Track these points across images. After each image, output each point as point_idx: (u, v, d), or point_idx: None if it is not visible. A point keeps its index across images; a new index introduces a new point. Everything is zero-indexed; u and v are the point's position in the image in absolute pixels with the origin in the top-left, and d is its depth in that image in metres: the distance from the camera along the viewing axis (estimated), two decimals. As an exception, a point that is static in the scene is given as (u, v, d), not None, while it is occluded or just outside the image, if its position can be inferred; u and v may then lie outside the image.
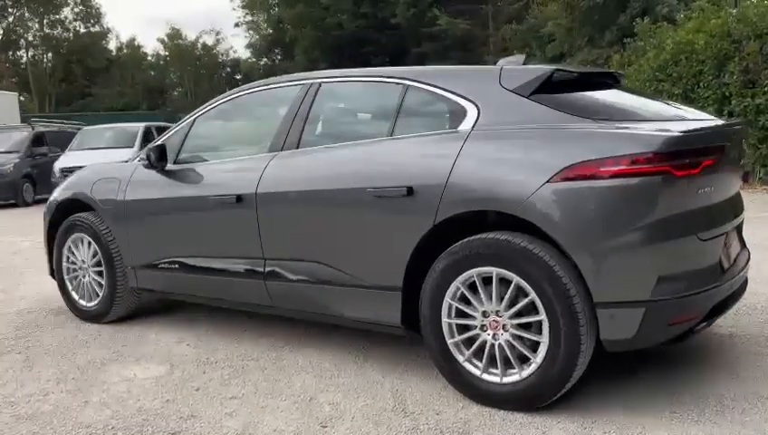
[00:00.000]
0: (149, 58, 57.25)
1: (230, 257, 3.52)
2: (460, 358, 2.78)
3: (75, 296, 4.37)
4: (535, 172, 2.54)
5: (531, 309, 2.60)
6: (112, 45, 56.62)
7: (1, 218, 11.83)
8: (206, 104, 3.92)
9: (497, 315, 2.67)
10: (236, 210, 3.40)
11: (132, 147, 15.12)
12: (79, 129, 17.43)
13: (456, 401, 2.81)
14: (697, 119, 2.91)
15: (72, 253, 4.33)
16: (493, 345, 2.69)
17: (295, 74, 3.67)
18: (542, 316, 2.54)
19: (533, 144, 2.63)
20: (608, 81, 3.21)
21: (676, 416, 2.57)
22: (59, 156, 14.68)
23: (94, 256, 4.21)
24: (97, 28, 54.12)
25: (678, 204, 2.48)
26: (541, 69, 2.86)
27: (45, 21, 51.28)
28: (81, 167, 14.36)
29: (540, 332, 2.58)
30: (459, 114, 2.89)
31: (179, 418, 2.80)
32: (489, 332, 2.70)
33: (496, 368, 2.70)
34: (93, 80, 51.29)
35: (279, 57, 32.88)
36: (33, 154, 15.37)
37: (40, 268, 6.25)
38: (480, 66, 3.23)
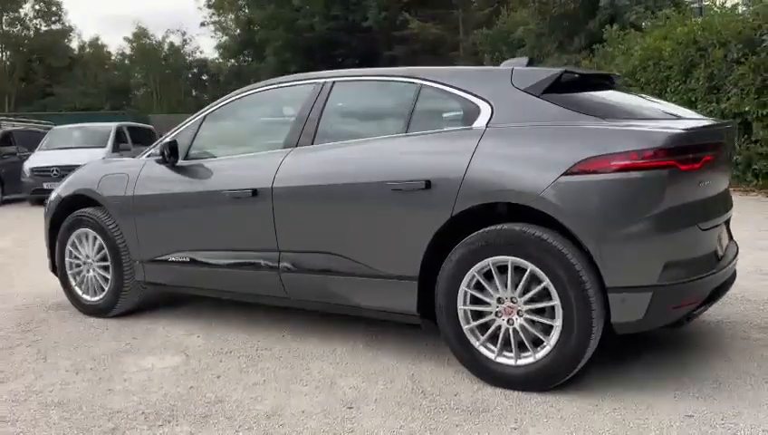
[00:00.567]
0: (114, 57, 56.30)
1: (244, 250, 3.62)
2: (475, 343, 2.94)
3: (79, 291, 4.40)
4: (550, 166, 2.71)
5: (543, 295, 2.77)
6: (75, 44, 55.57)
7: (-28, 218, 11.59)
8: (217, 102, 4.02)
9: (512, 301, 2.84)
10: (252, 204, 3.50)
11: (105, 147, 14.98)
12: (48, 128, 17.17)
13: (471, 384, 2.96)
14: (694, 118, 3.13)
15: (76, 248, 4.36)
16: (507, 330, 2.86)
17: (306, 74, 3.79)
18: (556, 301, 2.72)
19: (547, 140, 2.81)
20: (606, 81, 3.41)
21: (678, 394, 2.77)
22: (28, 156, 14.46)
23: (99, 250, 4.25)
24: (58, 26, 53.10)
25: (682, 196, 2.68)
26: (550, 70, 3.05)
27: (5, 18, 50.08)
28: (52, 166, 14.15)
29: (552, 316, 2.75)
30: (473, 112, 3.05)
31: (207, 403, 2.90)
32: (504, 317, 2.86)
33: (510, 351, 2.87)
34: (55, 79, 50.30)
35: (249, 58, 32.73)
36: (2, 154, 15.09)
37: (29, 265, 6.27)
38: (490, 67, 3.40)
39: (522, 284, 2.80)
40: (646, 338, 3.33)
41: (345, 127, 3.55)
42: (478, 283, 2.91)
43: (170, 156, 3.80)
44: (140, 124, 18.67)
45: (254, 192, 3.48)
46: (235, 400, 2.92)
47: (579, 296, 2.66)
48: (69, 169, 13.75)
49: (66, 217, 4.40)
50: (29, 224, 10.06)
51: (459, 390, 2.92)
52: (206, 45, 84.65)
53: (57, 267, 4.49)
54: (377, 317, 3.41)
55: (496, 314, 2.89)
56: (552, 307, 2.75)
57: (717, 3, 13.00)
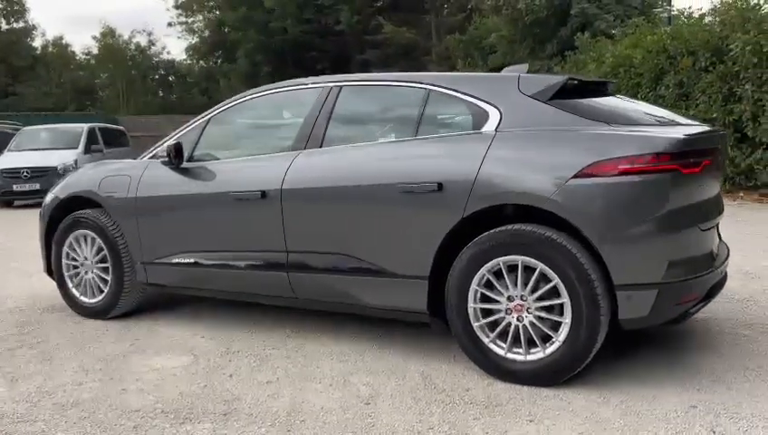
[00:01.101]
0: (79, 57, 55.24)
1: (251, 251, 3.66)
2: (485, 340, 3.05)
3: (76, 293, 4.38)
4: (560, 169, 2.83)
5: (552, 293, 2.89)
6: (38, 43, 54.31)
7: (-59, 220, 11.31)
8: (221, 104, 4.06)
9: (521, 299, 2.95)
10: (260, 206, 3.55)
11: (76, 148, 14.79)
12: (17, 129, 16.82)
13: (481, 379, 3.07)
14: (690, 124, 3.29)
15: (74, 250, 4.35)
16: (517, 327, 2.97)
17: (311, 78, 3.86)
18: (565, 299, 2.83)
19: (557, 144, 2.93)
20: (604, 88, 3.55)
21: (679, 387, 2.91)
22: (-4, 157, 14.18)
23: (98, 252, 4.25)
24: (21, 24, 51.84)
25: (684, 198, 2.83)
26: (555, 77, 3.18)
27: (-36, 15, 48.75)
28: (22, 168, 13.84)
29: (561, 313, 2.87)
30: (481, 117, 3.16)
31: (224, 401, 2.94)
32: (513, 314, 2.97)
33: (520, 347, 2.98)
34: (17, 78, 49.05)
35: (220, 60, 32.49)
36: (-31, 155, 14.75)
37: (12, 268, 6.18)
38: (496, 73, 3.51)
39: (531, 282, 2.91)
40: (641, 336, 3.47)
41: (353, 130, 3.63)
42: (488, 281, 3.02)
43: (176, 157, 3.83)
44: (112, 125, 18.43)
45: (263, 194, 3.53)
46: (252, 397, 2.97)
47: (587, 294, 2.78)
48: (40, 170, 13.62)
49: (63, 218, 4.39)
50: (4, 225, 9.88)
51: (470, 385, 3.02)
52: (174, 46, 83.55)
53: (53, 269, 4.46)
54: (384, 316, 3.49)
55: (506, 312, 2.99)
56: (561, 305, 2.86)
57: (685, 13, 13.44)
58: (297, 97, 3.85)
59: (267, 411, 2.81)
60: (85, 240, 4.30)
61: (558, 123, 3.01)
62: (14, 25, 50.97)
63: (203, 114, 4.09)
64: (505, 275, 2.97)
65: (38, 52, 53.01)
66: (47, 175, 13.49)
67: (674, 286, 2.80)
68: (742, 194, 10.09)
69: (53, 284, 5.19)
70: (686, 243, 2.87)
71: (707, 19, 12.26)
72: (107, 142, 16.03)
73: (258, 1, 26.97)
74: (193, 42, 37.93)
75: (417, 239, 3.16)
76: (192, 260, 3.87)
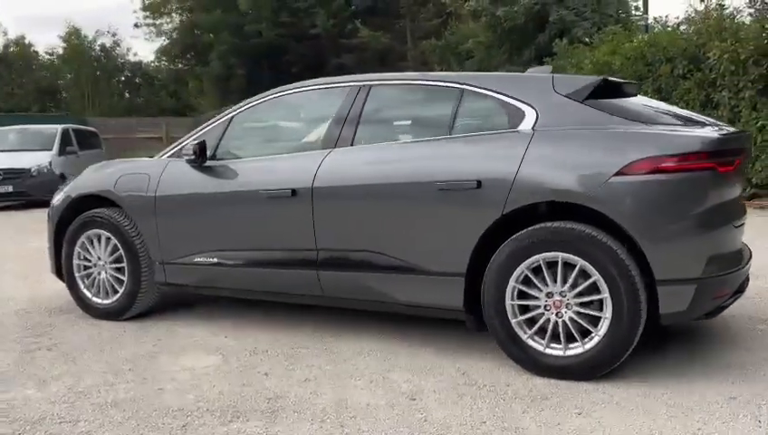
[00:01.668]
0: (42, 58, 53.92)
1: (279, 249, 3.65)
2: (523, 336, 3.09)
3: (88, 294, 4.30)
4: (601, 167, 2.89)
5: (591, 289, 2.94)
6: (-2, 42, 52.84)
7: None
8: (244, 103, 4.03)
9: (561, 295, 2.99)
10: (290, 204, 3.54)
11: (51, 150, 14.47)
12: (-13, 129, 16.36)
13: (519, 375, 3.10)
14: (717, 124, 3.39)
15: (87, 250, 4.26)
16: (556, 323, 3.01)
17: (338, 77, 3.87)
18: (605, 294, 2.89)
19: (596, 143, 2.99)
20: (630, 89, 3.63)
21: (714, 380, 2.99)
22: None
23: (113, 252, 4.17)
24: (-19, 24, 50.43)
25: (720, 196, 2.92)
26: (590, 78, 3.25)
27: None
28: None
29: (600, 308, 2.93)
30: (517, 116, 3.21)
31: (266, 399, 2.92)
32: (552, 311, 3.02)
33: (558, 343, 3.03)
34: (-24, 78, 47.65)
35: (192, 62, 32.06)
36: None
37: (10, 270, 6.03)
38: (529, 74, 3.56)
39: (572, 278, 2.96)
40: (663, 332, 3.55)
41: (385, 129, 3.65)
42: (526, 278, 3.06)
43: (200, 156, 3.79)
44: (85, 127, 18.07)
45: (294, 192, 3.52)
46: (294, 395, 2.95)
47: (628, 289, 2.84)
48: (13, 173, 13.26)
49: (74, 218, 4.30)
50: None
51: (510, 380, 3.05)
52: (141, 48, 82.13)
53: (64, 270, 4.36)
54: (415, 314, 3.51)
55: (545, 308, 3.04)
56: (600, 300, 2.92)
57: (661, 21, 13.80)
58: (324, 96, 3.85)
59: (313, 408, 2.80)
60: (99, 240, 4.22)
61: (594, 123, 3.08)
62: (-25, 25, 49.59)
63: (224, 113, 4.06)
64: (545, 272, 3.01)
65: (-1, 51, 51.62)
66: (20, 177, 13.19)
67: (711, 281, 2.88)
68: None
69: (54, 285, 5.14)
70: (722, 240, 2.96)
71: (683, 27, 12.60)
72: (80, 144, 15.73)
73: (233, 4, 26.75)
74: (164, 44, 37.33)
75: (455, 237, 3.18)
76: (215, 259, 3.83)
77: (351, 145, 3.54)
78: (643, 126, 3.03)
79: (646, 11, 15.71)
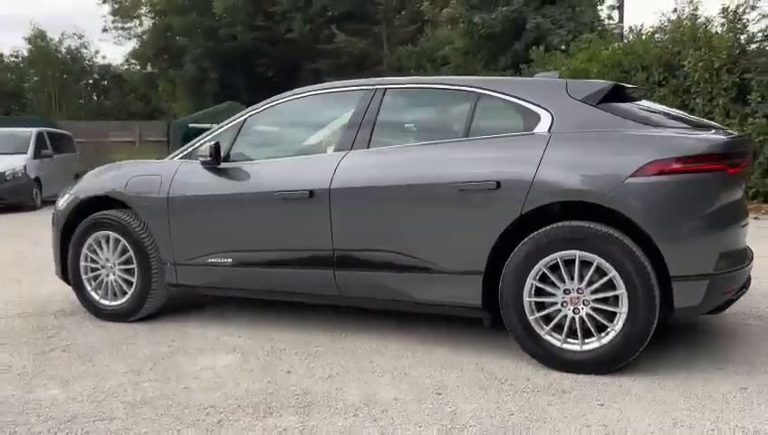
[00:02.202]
0: (6, 60, 52.72)
1: (295, 250, 3.70)
2: (541, 332, 3.19)
3: (95, 296, 4.29)
4: (618, 169, 3.02)
5: (607, 285, 3.06)
6: (-40, 44, 51.58)
7: None
8: (256, 106, 4.08)
9: (578, 292, 3.11)
10: (307, 205, 3.60)
11: (25, 153, 14.20)
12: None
13: (536, 370, 3.21)
14: (721, 128, 3.55)
15: (94, 251, 4.25)
16: (573, 319, 3.13)
17: (351, 81, 3.94)
18: (621, 290, 3.01)
19: (612, 145, 3.12)
20: (636, 93, 3.77)
21: (722, 371, 3.13)
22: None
23: (122, 253, 4.17)
24: (-57, 24, 49.14)
25: (730, 196, 3.08)
26: (602, 82, 3.39)
27: None
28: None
29: (616, 304, 3.05)
30: (533, 119, 3.33)
31: (294, 395, 2.97)
32: (569, 307, 3.13)
33: (575, 338, 3.14)
34: (-63, 81, 46.38)
35: (165, 65, 31.73)
36: None
37: (1, 274, 5.94)
38: (543, 78, 3.68)
39: (588, 275, 3.08)
40: (664, 329, 3.69)
41: (401, 132, 3.73)
42: (544, 275, 3.17)
43: (215, 157, 3.82)
44: (59, 130, 17.78)
45: (311, 193, 3.57)
46: (321, 391, 3.01)
47: (644, 285, 2.97)
48: (-13, 176, 12.96)
49: (80, 221, 4.28)
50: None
51: (529, 375, 3.15)
52: (110, 51, 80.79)
53: (70, 273, 4.34)
54: (432, 311, 3.60)
55: (562, 305, 3.15)
56: (616, 296, 3.04)
57: (635, 30, 14.15)
58: (338, 99, 3.92)
59: (343, 403, 2.87)
60: (107, 242, 4.21)
61: (607, 126, 3.21)
62: (-64, 25, 48.33)
63: (237, 115, 4.10)
64: (562, 269, 3.12)
65: (-40, 53, 50.35)
66: (-5, 181, 12.93)
67: (721, 277, 3.03)
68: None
69: (50, 288, 5.16)
70: (731, 237, 3.11)
71: (657, 36, 12.95)
72: (55, 148, 15.49)
73: (207, 7, 26.60)
74: (136, 47, 36.91)
75: (473, 236, 3.28)
76: (229, 260, 3.86)
77: (368, 147, 3.61)
78: (654, 129, 3.17)
79: (621, 20, 16.13)
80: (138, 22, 41.34)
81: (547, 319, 3.19)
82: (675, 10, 13.50)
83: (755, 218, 7.96)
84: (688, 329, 3.79)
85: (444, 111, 3.71)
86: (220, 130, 4.07)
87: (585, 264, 3.09)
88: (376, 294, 3.59)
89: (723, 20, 11.41)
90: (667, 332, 3.64)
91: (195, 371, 3.31)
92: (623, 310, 3.03)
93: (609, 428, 2.57)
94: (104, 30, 41.59)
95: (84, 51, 49.89)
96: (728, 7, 11.40)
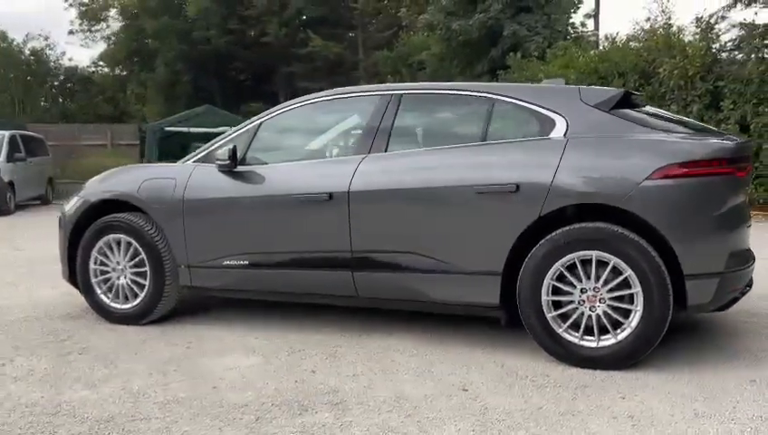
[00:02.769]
0: (-34, 61, 51.34)
1: (313, 252, 3.76)
2: (559, 329, 3.31)
3: (105, 299, 4.28)
4: (634, 172, 3.16)
5: (623, 284, 3.20)
6: None
7: None
8: (272, 110, 4.13)
9: (594, 291, 3.24)
10: (326, 207, 3.66)
11: (-2, 156, 13.92)
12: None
13: (554, 366, 3.32)
14: (724, 134, 3.72)
15: (104, 254, 4.25)
16: (590, 316, 3.25)
17: (366, 86, 4.03)
18: (637, 289, 3.15)
19: (627, 149, 3.26)
20: (640, 101, 3.93)
21: (729, 365, 3.30)
22: None
23: (134, 256, 4.18)
24: None
25: (737, 198, 3.24)
26: (613, 90, 3.54)
27: None
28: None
29: (631, 302, 3.19)
30: (548, 124, 3.45)
31: (323, 393, 3.03)
32: (586, 305, 3.26)
33: (592, 335, 3.27)
34: None
35: (136, 68, 31.31)
36: None
37: None
38: (555, 85, 3.81)
39: (605, 275, 3.21)
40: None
41: (418, 136, 3.82)
42: (561, 275, 3.29)
43: (232, 161, 3.86)
44: (31, 133, 17.45)
45: (330, 196, 3.64)
46: (350, 389, 3.08)
47: (659, 283, 3.11)
48: (-41, 180, 12.68)
49: (88, 224, 4.28)
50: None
51: (547, 371, 3.27)
52: (76, 53, 79.27)
53: (79, 276, 4.33)
54: (449, 311, 3.70)
55: (579, 303, 3.27)
56: (631, 294, 3.18)
57: (609, 38, 14.53)
58: (353, 104, 4.00)
59: (375, 400, 2.94)
60: (118, 244, 4.22)
61: (620, 131, 3.35)
62: None
63: (252, 119, 4.14)
64: (579, 269, 3.25)
65: None
66: (-32, 184, 12.67)
67: (730, 275, 3.19)
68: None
69: (48, 292, 5.18)
70: (739, 238, 3.28)
71: (632, 44, 13.31)
72: (27, 151, 15.22)
73: (180, 10, 26.36)
74: (107, 48, 36.34)
75: (493, 237, 3.39)
76: (245, 262, 3.91)
77: (385, 151, 3.70)
78: (664, 134, 3.32)
79: (597, 28, 16.51)
80: (105, 24, 40.78)
81: (564, 317, 3.31)
82: (648, 19, 13.95)
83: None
84: (692, 327, 3.95)
85: (459, 116, 3.82)
86: (234, 135, 4.11)
87: (600, 263, 3.22)
88: (394, 294, 3.68)
89: (696, 29, 11.79)
90: (671, 329, 3.80)
91: (219, 371, 3.35)
92: (638, 308, 3.16)
93: (635, 419, 2.70)
94: (70, 32, 40.87)
95: (50, 52, 48.92)
96: (702, 17, 11.79)
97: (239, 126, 4.16)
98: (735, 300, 3.38)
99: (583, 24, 18.61)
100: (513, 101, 3.57)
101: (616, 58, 12.69)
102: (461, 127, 3.81)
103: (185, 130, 18.01)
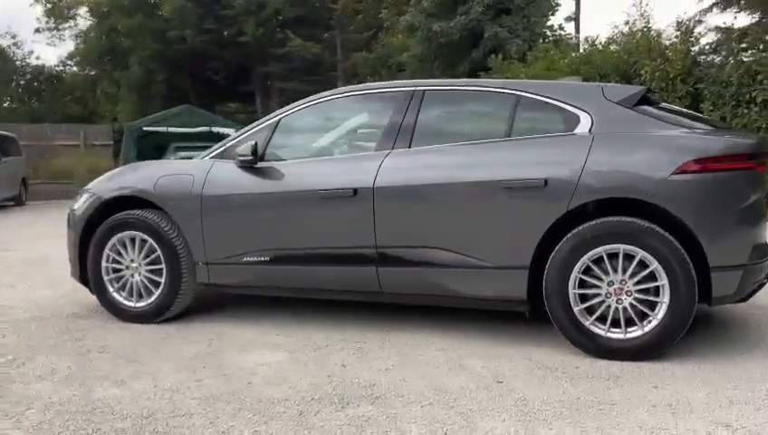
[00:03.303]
0: (-71, 59, 49.93)
1: (337, 247, 3.76)
2: (586, 322, 3.37)
3: (118, 297, 4.22)
4: (661, 167, 3.23)
5: (648, 277, 3.26)
6: None
7: None
8: (290, 106, 4.11)
9: (621, 283, 3.30)
10: (350, 203, 3.67)
11: (-25, 156, 13.63)
12: None
13: (581, 359, 3.37)
14: (734, 130, 3.83)
15: (118, 252, 4.19)
16: (617, 309, 3.31)
17: (387, 82, 4.04)
18: (664, 281, 3.22)
19: (653, 145, 3.33)
20: (657, 98, 4.01)
21: (747, 354, 3.40)
22: None
23: (149, 253, 4.13)
24: None
25: (758, 192, 3.33)
26: (635, 87, 3.61)
27: None
28: None
29: (657, 294, 3.25)
30: (573, 121, 3.51)
31: (361, 386, 3.04)
32: (613, 297, 3.32)
33: (618, 327, 3.33)
34: None
35: (109, 67, 30.75)
36: None
37: None
38: (578, 82, 3.87)
39: (632, 268, 3.27)
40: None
41: (441, 132, 3.84)
42: (588, 268, 3.34)
43: (253, 157, 3.84)
44: (4, 132, 17.05)
45: (355, 191, 3.65)
46: (386, 383, 3.08)
47: (685, 276, 3.19)
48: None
49: (100, 222, 4.21)
50: None
51: (576, 363, 3.32)
52: (44, 51, 77.67)
53: (90, 274, 4.25)
54: (474, 306, 3.73)
55: (606, 296, 3.33)
56: (657, 287, 3.25)
57: (589, 40, 14.76)
58: (374, 100, 4.01)
59: (413, 393, 2.95)
60: (132, 242, 4.16)
61: (643, 127, 3.42)
62: None
63: (270, 116, 4.12)
64: (606, 262, 3.31)
65: None
66: (-56, 185, 12.36)
67: (753, 268, 3.28)
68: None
69: (49, 291, 5.16)
70: (760, 231, 3.37)
71: (612, 47, 13.55)
72: (1, 151, 14.91)
73: (154, 8, 25.99)
74: (78, 47, 35.67)
75: (520, 231, 3.43)
76: (267, 258, 3.89)
77: (409, 147, 3.72)
78: (686, 130, 3.40)
79: (577, 30, 16.77)
80: (73, 22, 40.06)
81: (590, 310, 3.37)
82: (627, 23, 14.21)
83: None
84: (705, 321, 4.05)
85: (485, 111, 3.85)
86: (252, 131, 4.08)
87: (627, 257, 3.28)
88: (419, 289, 3.69)
89: (677, 32, 12.05)
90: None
91: (249, 368, 3.33)
92: (665, 300, 3.23)
93: (673, 407, 2.75)
94: (37, 30, 40.02)
95: (17, 51, 47.83)
96: (682, 21, 12.06)
97: (256, 123, 4.14)
98: (754, 292, 3.47)
99: (561, 27, 18.92)
100: (538, 97, 3.62)
101: (597, 60, 12.91)
102: (486, 123, 3.84)
103: (163, 129, 17.79)
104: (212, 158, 4.12)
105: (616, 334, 3.33)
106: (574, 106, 3.53)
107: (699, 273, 3.23)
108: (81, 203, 4.33)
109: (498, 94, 3.73)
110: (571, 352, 3.44)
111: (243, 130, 4.15)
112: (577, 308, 3.37)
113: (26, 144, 20.25)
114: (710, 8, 13.35)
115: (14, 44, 49.82)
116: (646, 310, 3.28)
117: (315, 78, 25.61)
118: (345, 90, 4.10)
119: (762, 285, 3.54)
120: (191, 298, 4.21)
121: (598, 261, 3.33)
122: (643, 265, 3.26)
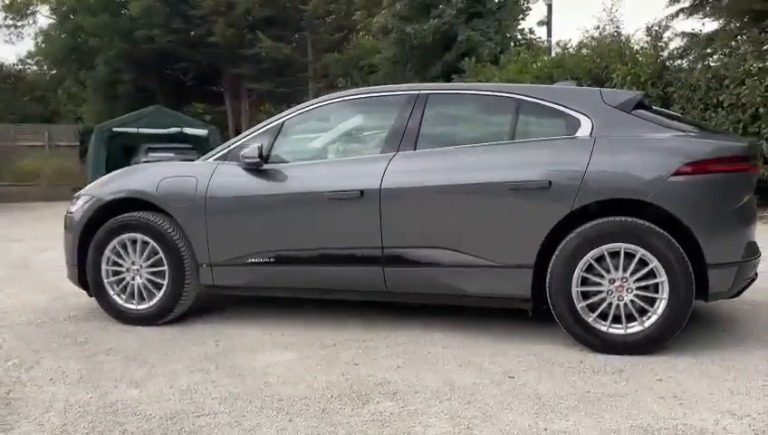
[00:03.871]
0: None
1: (343, 248, 3.81)
2: (588, 319, 3.49)
3: (119, 300, 4.21)
4: (660, 169, 3.37)
5: (648, 274, 3.40)
6: None
7: None
8: (296, 108, 4.15)
9: (622, 281, 3.43)
10: (357, 204, 3.73)
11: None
12: None
13: (584, 354, 3.49)
14: (728, 133, 4.00)
15: (118, 255, 4.17)
16: (618, 305, 3.44)
17: (389, 86, 4.10)
18: (663, 278, 3.36)
19: (652, 147, 3.47)
20: (648, 102, 4.16)
21: (745, 346, 3.56)
22: None
23: (151, 255, 4.12)
24: None
25: (749, 193, 3.50)
26: (632, 92, 3.75)
27: None
28: None
29: (656, 291, 3.39)
30: (573, 124, 3.63)
31: (376, 384, 3.10)
32: (615, 294, 3.45)
33: (620, 323, 3.46)
34: None
35: (74, 66, 30.09)
36: None
37: None
38: (577, 87, 4.00)
39: (633, 265, 3.41)
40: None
41: (445, 135, 3.93)
42: (591, 266, 3.47)
43: (258, 159, 3.87)
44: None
45: (362, 193, 3.71)
46: (399, 380, 3.15)
47: (683, 273, 3.33)
48: None
49: (100, 224, 4.19)
50: None
51: (581, 359, 3.43)
52: (1, 49, 75.61)
53: (90, 278, 4.22)
54: (479, 304, 3.82)
55: (608, 293, 3.46)
56: (656, 284, 3.39)
57: (561, 44, 15.08)
58: (378, 104, 4.08)
59: (429, 389, 3.03)
60: (133, 244, 4.15)
61: (641, 130, 3.56)
62: None
63: (275, 118, 4.16)
64: (608, 261, 3.44)
65: None
66: None
67: (746, 265, 3.45)
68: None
69: (40, 296, 5.15)
70: (752, 230, 3.54)
71: (584, 51, 13.86)
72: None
73: (121, 8, 25.57)
74: (40, 45, 34.85)
75: (525, 231, 3.54)
76: (272, 259, 3.92)
77: (414, 149, 3.79)
78: (682, 133, 3.56)
79: (549, 35, 17.08)
80: (32, 20, 39.22)
81: (592, 307, 3.49)
82: (597, 27, 14.56)
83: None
84: (695, 316, 4.21)
85: (488, 115, 3.95)
86: (256, 133, 4.11)
87: (627, 255, 3.42)
88: (426, 289, 3.77)
89: (647, 37, 12.39)
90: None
91: (261, 367, 3.36)
92: (664, 296, 3.37)
93: (679, 398, 2.89)
94: (-7, 27, 38.98)
95: (-28, 50, 46.46)
96: (652, 27, 12.40)
97: (259, 125, 4.17)
98: (745, 288, 3.64)
99: (532, 31, 19.25)
100: (540, 101, 3.74)
101: (570, 64, 13.20)
102: (488, 126, 3.94)
103: (134, 130, 17.56)
104: (215, 159, 4.13)
105: (617, 330, 3.46)
106: (575, 110, 3.65)
107: (696, 270, 3.38)
108: (80, 206, 4.29)
109: (501, 98, 3.83)
110: (575, 347, 3.56)
111: (246, 133, 4.17)
112: (580, 305, 3.48)
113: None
114: (677, 14, 13.73)
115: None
116: (646, 306, 3.41)
117: (286, 79, 25.55)
118: (351, 92, 4.15)
119: (752, 281, 3.71)
120: (193, 300, 4.22)
121: (600, 259, 3.46)
122: (643, 262, 3.40)
